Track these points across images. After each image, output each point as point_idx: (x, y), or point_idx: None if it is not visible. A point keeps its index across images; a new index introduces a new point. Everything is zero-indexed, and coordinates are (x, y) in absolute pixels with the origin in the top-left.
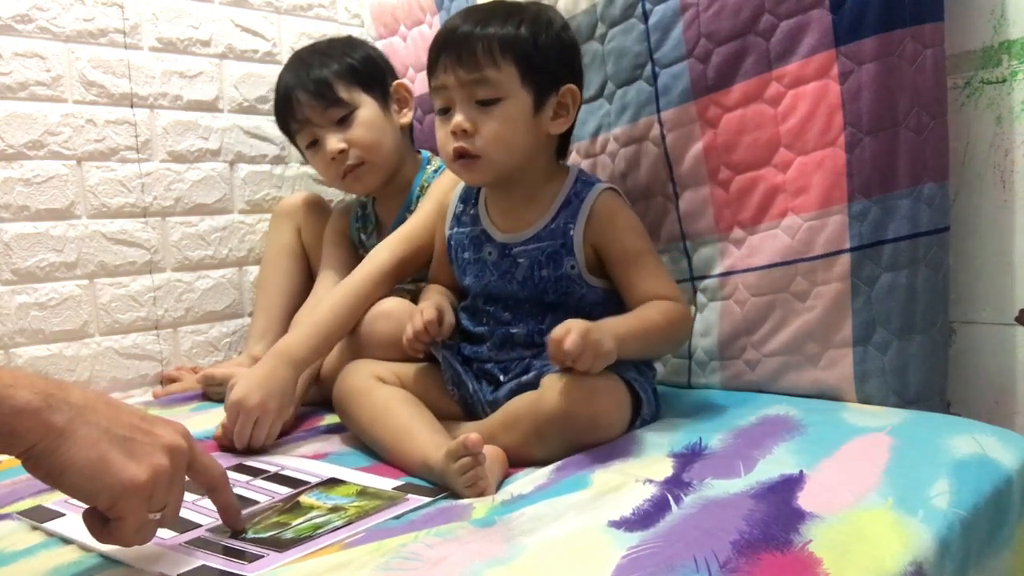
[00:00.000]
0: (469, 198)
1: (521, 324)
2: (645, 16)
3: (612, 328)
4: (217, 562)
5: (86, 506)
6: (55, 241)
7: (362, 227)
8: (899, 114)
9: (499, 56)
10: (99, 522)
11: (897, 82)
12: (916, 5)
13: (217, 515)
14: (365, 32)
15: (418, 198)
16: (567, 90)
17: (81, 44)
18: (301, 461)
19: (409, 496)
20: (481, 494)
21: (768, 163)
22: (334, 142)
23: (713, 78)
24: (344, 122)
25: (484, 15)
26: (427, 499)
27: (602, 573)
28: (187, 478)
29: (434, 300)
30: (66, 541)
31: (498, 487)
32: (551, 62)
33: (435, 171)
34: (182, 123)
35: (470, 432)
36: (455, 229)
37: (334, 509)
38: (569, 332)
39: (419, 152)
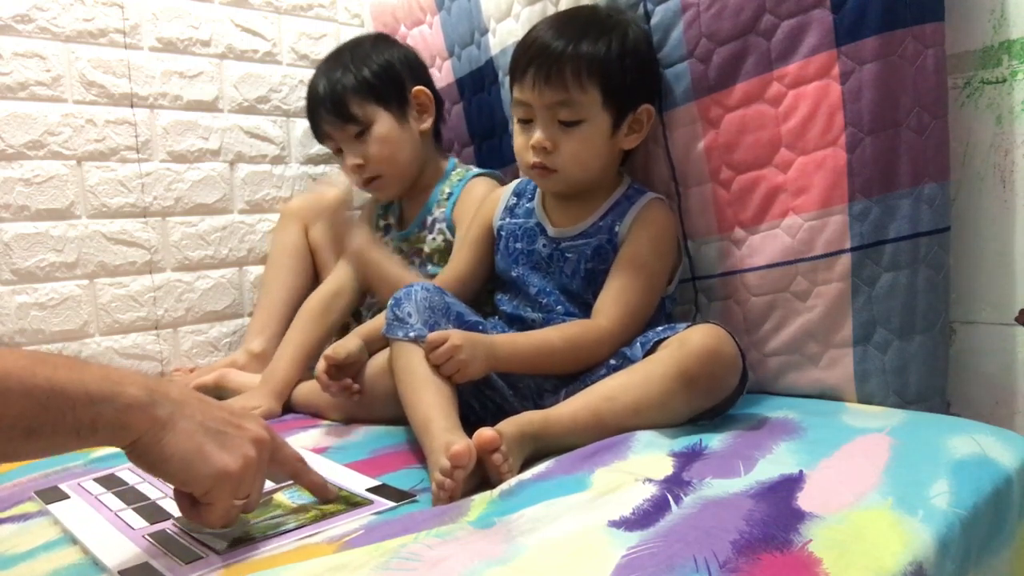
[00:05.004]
0: (524, 192)
1: (572, 316)
2: (647, 16)
3: (495, 348)
4: (159, 561)
5: (94, 494)
6: (55, 241)
7: (383, 214)
8: (900, 114)
9: (585, 79)
10: (188, 501)
11: (898, 82)
12: (917, 5)
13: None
14: (365, 32)
15: (438, 203)
16: (643, 110)
17: (81, 44)
18: (301, 453)
19: (375, 500)
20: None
21: (769, 163)
22: (351, 157)
23: (714, 78)
24: (361, 136)
25: (576, 31)
26: (391, 504)
27: (602, 573)
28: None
29: (349, 342)
30: (73, 541)
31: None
32: (632, 83)
33: (460, 180)
34: (182, 123)
35: (559, 408)
36: (507, 220)
37: (298, 509)
38: (446, 341)
39: (446, 158)
